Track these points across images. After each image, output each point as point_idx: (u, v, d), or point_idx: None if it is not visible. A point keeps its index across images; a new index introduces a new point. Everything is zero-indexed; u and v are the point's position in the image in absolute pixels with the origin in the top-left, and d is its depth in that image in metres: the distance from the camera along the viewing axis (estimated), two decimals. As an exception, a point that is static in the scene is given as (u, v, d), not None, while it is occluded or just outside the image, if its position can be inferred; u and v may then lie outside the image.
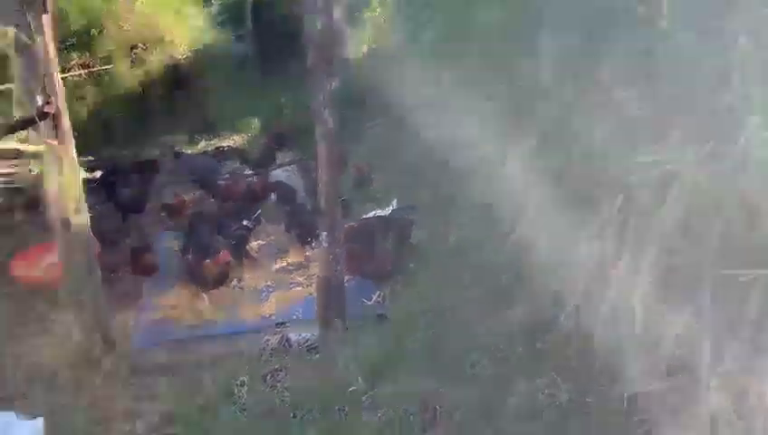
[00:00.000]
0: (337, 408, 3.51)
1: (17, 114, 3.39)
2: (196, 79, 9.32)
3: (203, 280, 4.80)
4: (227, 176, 6.90)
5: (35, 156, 3.93)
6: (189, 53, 9.17)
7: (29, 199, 4.81)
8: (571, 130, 3.98)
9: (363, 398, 3.54)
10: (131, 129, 8.76)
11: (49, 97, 3.40)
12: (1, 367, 4.03)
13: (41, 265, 4.67)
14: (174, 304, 4.80)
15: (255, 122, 9.41)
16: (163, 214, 6.04)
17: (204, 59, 9.57)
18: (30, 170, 6.68)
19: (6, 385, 3.86)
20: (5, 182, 6.60)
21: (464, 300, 4.41)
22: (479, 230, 4.94)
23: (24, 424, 3.32)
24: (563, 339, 3.82)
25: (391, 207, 5.70)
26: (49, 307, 4.27)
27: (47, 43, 3.44)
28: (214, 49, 10.78)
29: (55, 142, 3.54)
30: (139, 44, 8.70)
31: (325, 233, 4.17)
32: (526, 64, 4.39)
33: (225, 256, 4.84)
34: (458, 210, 5.28)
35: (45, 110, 3.30)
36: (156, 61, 8.70)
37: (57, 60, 3.56)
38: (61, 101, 3.51)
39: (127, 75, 8.53)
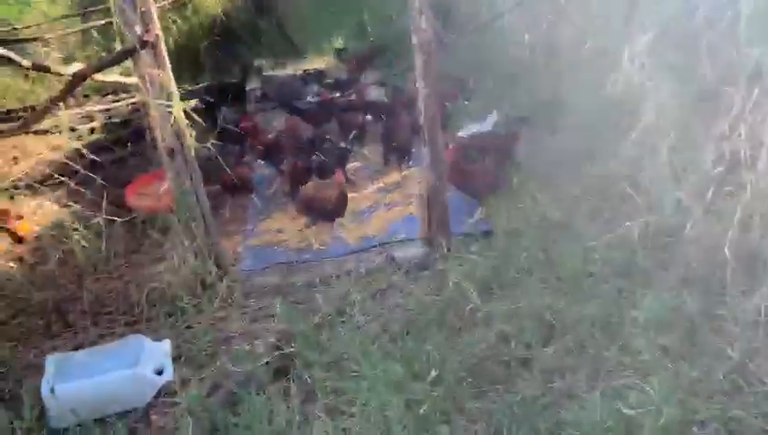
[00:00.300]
0: (450, 324, 3.48)
1: (118, 45, 3.37)
2: (278, 1, 9.17)
3: (321, 208, 4.66)
4: (316, 98, 6.83)
5: (137, 87, 3.94)
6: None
7: (134, 131, 4.91)
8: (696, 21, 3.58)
9: (477, 314, 3.48)
10: (217, 57, 8.81)
11: (147, 25, 3.36)
12: (126, 292, 4.24)
13: (152, 193, 4.81)
14: (278, 228, 4.86)
15: (339, 42, 9.21)
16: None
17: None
18: (130, 103, 6.90)
19: (133, 309, 4.06)
20: (109, 117, 6.84)
21: (576, 213, 4.21)
22: (590, 138, 4.66)
23: (155, 345, 3.48)
24: (689, 249, 3.59)
25: (491, 121, 5.48)
26: (162, 235, 4.40)
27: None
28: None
29: (157, 71, 3.53)
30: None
31: (426, 149, 4.04)
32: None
33: (339, 177, 4.72)
34: (566, 117, 4.99)
35: (145, 38, 3.26)
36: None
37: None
38: (158, 29, 3.48)
39: (210, 2, 8.47)
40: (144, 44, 3.30)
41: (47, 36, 7.43)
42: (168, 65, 3.65)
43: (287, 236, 4.74)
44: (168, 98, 3.63)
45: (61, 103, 3.73)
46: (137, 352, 3.41)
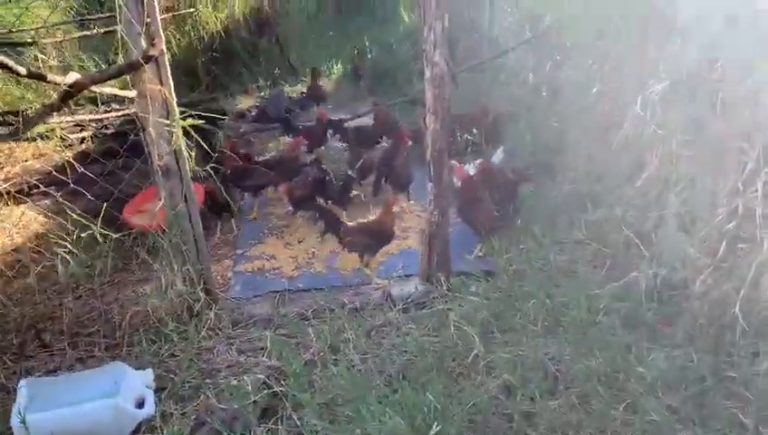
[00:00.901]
0: (449, 370, 3.34)
1: (123, 58, 3.23)
2: (278, 22, 9.10)
3: (382, 235, 4.43)
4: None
5: (134, 100, 3.79)
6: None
7: (125, 144, 4.70)
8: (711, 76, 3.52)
9: (478, 360, 3.33)
10: (215, 73, 8.70)
11: (153, 39, 3.23)
12: (108, 313, 4.04)
13: (142, 211, 4.63)
14: (270, 253, 4.70)
15: (338, 66, 9.16)
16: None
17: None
18: (121, 115, 6.73)
19: (114, 332, 3.86)
20: (100, 127, 6.67)
21: (579, 258, 4.11)
22: (593, 182, 4.59)
23: (136, 374, 3.29)
24: (696, 304, 3.49)
25: (498, 157, 5.39)
26: (150, 255, 4.21)
27: (149, -18, 3.26)
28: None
29: (158, 87, 3.39)
30: (223, -14, 8.49)
31: (431, 184, 3.93)
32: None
33: (393, 200, 4.55)
34: (569, 159, 4.92)
35: (150, 53, 3.13)
36: (240, 1, 8.49)
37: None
38: (163, 45, 3.35)
39: (210, 18, 8.37)
40: (148, 59, 3.16)
41: (44, 41, 7.31)
42: (171, 82, 3.52)
43: (280, 262, 4.58)
44: (169, 116, 3.49)
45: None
46: (117, 381, 3.21)
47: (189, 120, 3.42)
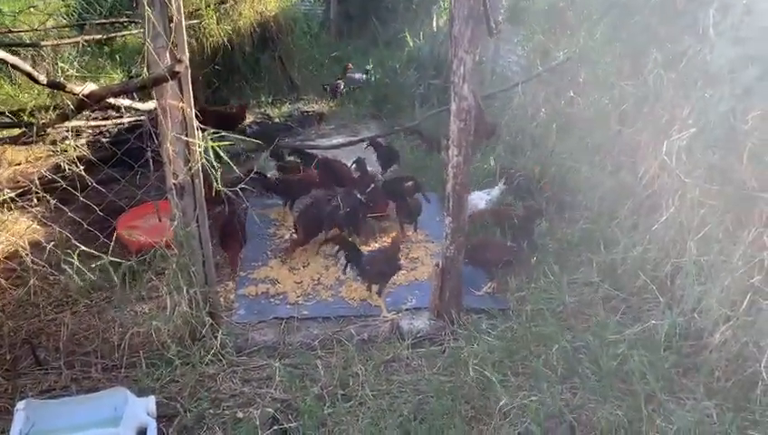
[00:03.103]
0: (464, 413, 3.24)
1: (148, 72, 3.12)
2: (282, 39, 9.03)
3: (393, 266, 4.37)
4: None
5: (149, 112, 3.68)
6: (277, 11, 8.82)
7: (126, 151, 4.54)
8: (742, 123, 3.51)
9: (492, 403, 3.24)
10: (215, 86, 8.59)
11: (179, 55, 3.13)
12: (106, 332, 3.87)
13: (134, 226, 4.48)
14: (274, 277, 4.57)
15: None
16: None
17: (290, 17, 9.28)
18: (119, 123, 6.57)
19: (112, 353, 3.70)
20: (98, 134, 6.50)
21: (593, 300, 4.06)
22: (607, 222, 4.56)
23: (138, 401, 3.14)
24: (714, 356, 3.45)
25: (497, 192, 5.34)
26: (153, 271, 4.06)
27: (175, -3, 3.16)
28: (300, 8, 10.51)
29: (180, 103, 3.28)
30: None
31: (449, 218, 3.86)
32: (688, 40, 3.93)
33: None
34: (582, 198, 4.89)
35: (177, 68, 3.03)
36: (245, 16, 8.40)
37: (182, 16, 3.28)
38: (187, 61, 3.25)
39: (215, 30, 8.26)
40: (175, 75, 3.06)
41: (43, 44, 7.16)
42: (192, 99, 3.41)
43: (285, 287, 4.45)
44: (188, 133, 3.39)
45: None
46: (118, 407, 3.06)
47: (211, 140, 3.29)
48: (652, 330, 3.63)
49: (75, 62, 7.14)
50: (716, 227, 3.68)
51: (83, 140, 6.50)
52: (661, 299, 3.82)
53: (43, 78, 2.94)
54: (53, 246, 3.71)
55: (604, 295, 4.12)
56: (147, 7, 3.02)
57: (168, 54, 3.19)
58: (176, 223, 3.57)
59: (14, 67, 2.85)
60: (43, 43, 7.15)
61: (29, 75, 2.86)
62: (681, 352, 3.55)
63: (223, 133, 3.20)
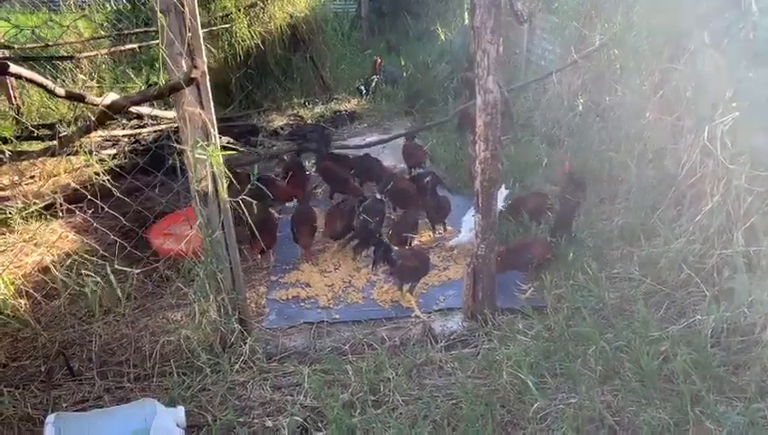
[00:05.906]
0: (499, 418, 3.11)
1: (164, 80, 3.09)
2: (313, 39, 9.00)
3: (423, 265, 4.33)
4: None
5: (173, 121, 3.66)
6: (307, 12, 8.78)
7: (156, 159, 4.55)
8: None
9: (528, 407, 3.11)
10: (248, 90, 8.61)
11: (195, 61, 3.09)
12: (138, 341, 3.88)
13: (177, 235, 4.48)
14: (306, 281, 4.52)
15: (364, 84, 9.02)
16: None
17: (321, 17, 9.23)
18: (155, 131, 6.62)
19: (144, 362, 3.70)
20: (133, 142, 6.56)
21: (634, 296, 3.87)
22: (647, 213, 4.35)
23: (167, 412, 3.12)
24: (765, 352, 3.23)
25: (500, 197, 5.14)
26: (183, 279, 4.05)
27: (191, 2, 3.12)
28: (330, 7, 10.45)
29: (198, 110, 3.24)
30: (258, 2, 8.41)
31: (478, 215, 3.73)
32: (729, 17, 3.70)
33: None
34: (621, 189, 4.69)
35: (193, 75, 2.99)
36: (276, 18, 8.39)
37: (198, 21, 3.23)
38: (205, 67, 3.20)
39: (246, 34, 8.27)
40: (190, 82, 3.02)
41: (78, 56, 7.29)
42: (212, 105, 3.37)
43: (315, 291, 4.40)
44: (208, 140, 3.34)
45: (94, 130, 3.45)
46: (147, 419, 3.04)
47: (222, 148, 3.24)
48: (698, 326, 3.43)
49: (95, 74, 7.22)
50: (765, 215, 3.46)
51: (121, 149, 6.59)
52: (707, 293, 3.60)
53: (60, 90, 2.94)
54: (85, 257, 3.73)
55: (646, 291, 3.93)
56: (160, 14, 2.99)
57: (184, 62, 3.15)
58: (200, 230, 3.54)
59: (30, 81, 2.85)
60: (78, 54, 7.28)
61: (45, 88, 2.86)
62: (730, 349, 3.34)
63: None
